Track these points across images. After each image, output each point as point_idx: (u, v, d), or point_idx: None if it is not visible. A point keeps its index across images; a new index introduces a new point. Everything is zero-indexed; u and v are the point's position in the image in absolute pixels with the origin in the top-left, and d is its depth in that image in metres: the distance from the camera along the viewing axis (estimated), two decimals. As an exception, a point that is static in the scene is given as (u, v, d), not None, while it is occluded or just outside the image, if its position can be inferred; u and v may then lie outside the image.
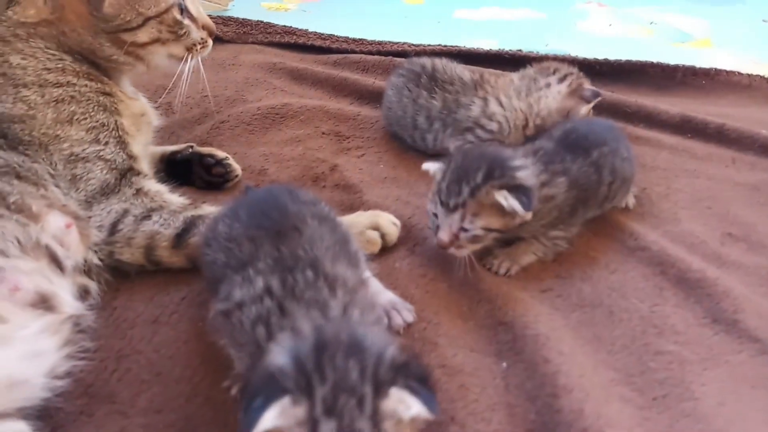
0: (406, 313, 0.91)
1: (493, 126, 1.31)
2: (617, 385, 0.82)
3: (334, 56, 1.91)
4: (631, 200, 1.20)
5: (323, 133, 1.49)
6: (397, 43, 1.96)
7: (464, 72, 1.40)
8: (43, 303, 0.82)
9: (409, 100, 1.38)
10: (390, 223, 1.10)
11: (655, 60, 1.76)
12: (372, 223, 1.08)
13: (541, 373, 0.81)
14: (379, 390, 0.55)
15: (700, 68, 1.75)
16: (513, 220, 0.96)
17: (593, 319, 0.94)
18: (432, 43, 1.93)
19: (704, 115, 1.53)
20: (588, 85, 1.31)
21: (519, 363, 0.84)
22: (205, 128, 1.47)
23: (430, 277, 1.03)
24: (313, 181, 1.30)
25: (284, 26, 2.07)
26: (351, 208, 1.17)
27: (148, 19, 1.08)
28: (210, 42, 1.21)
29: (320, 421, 0.54)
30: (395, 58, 1.85)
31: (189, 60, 1.17)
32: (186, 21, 1.13)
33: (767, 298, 0.98)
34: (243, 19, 2.10)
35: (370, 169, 1.35)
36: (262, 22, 2.09)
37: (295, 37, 2.00)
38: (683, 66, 1.74)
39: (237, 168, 1.28)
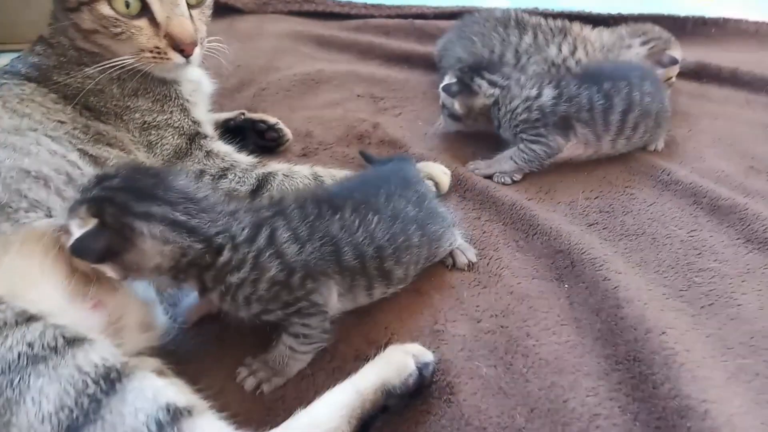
0: (470, 254, 1.00)
1: (578, 71, 1.39)
2: (669, 299, 0.92)
3: (354, 22, 1.98)
4: (660, 144, 1.29)
5: (358, 96, 1.56)
6: (415, 6, 2.02)
7: (548, 20, 1.50)
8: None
9: (498, 40, 1.45)
10: (441, 173, 1.18)
11: (664, 11, 1.84)
12: (425, 173, 1.16)
13: (602, 289, 0.90)
14: None
15: (709, 18, 1.83)
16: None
17: (639, 245, 1.04)
18: (451, 5, 1.99)
19: (717, 62, 1.62)
20: (673, 52, 1.39)
21: (580, 284, 0.94)
22: (247, 96, 1.54)
23: (485, 218, 1.12)
24: (358, 139, 1.38)
25: (302, -6, 2.13)
26: (400, 162, 1.25)
27: (81, 4, 0.99)
28: (172, 55, 1.02)
29: None
30: (415, 21, 1.92)
31: (151, 64, 1.03)
32: (129, 21, 0.99)
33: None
34: (263, -12, 2.15)
35: (410, 126, 1.43)
36: (280, -10, 2.14)
37: (314, 5, 2.06)
38: (693, 17, 1.83)
39: (288, 132, 1.36)
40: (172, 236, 0.72)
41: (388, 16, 1.97)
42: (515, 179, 1.21)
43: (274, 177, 1.10)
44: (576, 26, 1.47)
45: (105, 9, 0.99)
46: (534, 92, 1.22)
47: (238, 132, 1.35)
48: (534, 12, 1.82)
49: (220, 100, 1.55)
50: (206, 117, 1.22)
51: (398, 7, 2.02)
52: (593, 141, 1.22)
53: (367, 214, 0.84)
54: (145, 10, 1.00)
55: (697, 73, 1.60)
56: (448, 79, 1.29)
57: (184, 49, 1.03)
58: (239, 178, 1.09)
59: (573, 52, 1.41)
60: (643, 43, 1.40)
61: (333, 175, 1.13)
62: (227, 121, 1.36)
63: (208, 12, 1.14)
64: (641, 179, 1.21)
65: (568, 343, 0.85)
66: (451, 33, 1.55)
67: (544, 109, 1.20)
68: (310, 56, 1.78)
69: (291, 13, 2.06)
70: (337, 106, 1.52)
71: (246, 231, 0.77)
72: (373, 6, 2.05)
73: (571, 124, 1.20)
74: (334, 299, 0.81)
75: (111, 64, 1.01)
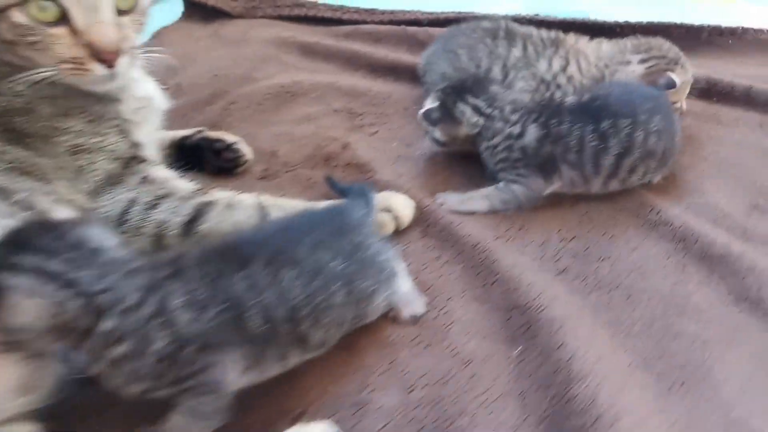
0: (416, 305, 0.89)
1: (568, 89, 1.27)
2: (635, 371, 0.80)
3: (345, 28, 1.87)
4: (657, 177, 1.15)
5: (335, 111, 1.46)
6: (409, 11, 1.90)
7: (540, 30, 1.36)
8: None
9: (485, 53, 1.32)
10: (403, 206, 1.07)
11: (677, 18, 1.69)
12: (384, 205, 1.05)
13: (555, 359, 0.79)
14: None
15: (726, 27, 1.66)
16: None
17: (611, 300, 0.92)
18: (446, 11, 1.87)
19: (731, 77, 1.47)
20: (677, 75, 1.24)
21: (533, 349, 0.82)
22: (217, 109, 1.45)
23: (445, 259, 1.01)
24: (325, 161, 1.27)
25: (294, -1, 2.03)
26: (363, 188, 1.15)
27: None
28: (93, 66, 0.91)
29: None
30: (408, 27, 1.81)
31: (72, 76, 0.93)
32: (46, 29, 0.88)
33: (794, 273, 0.94)
34: (252, -8, 2.06)
35: (383, 147, 1.32)
36: (269, -6, 2.05)
37: (304, 9, 1.96)
38: (708, 26, 1.66)
39: (247, 152, 1.27)
40: (41, 288, 0.63)
41: (381, 22, 1.86)
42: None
43: (212, 207, 1.00)
44: (571, 37, 1.33)
45: (19, 17, 0.88)
46: (517, 130, 1.10)
47: (195, 151, 1.27)
48: (533, 19, 1.70)
49: (189, 113, 1.48)
50: (152, 137, 1.13)
51: (392, 12, 1.90)
52: (580, 183, 1.09)
53: (281, 268, 0.74)
54: (64, 17, 0.89)
55: (707, 91, 1.44)
56: (430, 103, 1.18)
57: (105, 59, 0.92)
58: (173, 208, 1.00)
59: (565, 67, 1.27)
60: (642, 61, 1.25)
61: (282, 205, 1.03)
62: (184, 138, 1.28)
63: (144, 19, 1.03)
64: (627, 218, 1.08)
65: (506, 425, 0.73)
66: (436, 44, 1.42)
67: (526, 150, 1.08)
68: (292, 65, 1.68)
69: (280, 17, 1.96)
70: (311, 122, 1.41)
71: (136, 294, 0.67)
72: (365, 11, 1.94)
73: (556, 165, 1.07)
74: (236, 374, 0.71)
75: (28, 76, 0.92)
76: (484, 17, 1.44)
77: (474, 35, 1.33)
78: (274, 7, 1.98)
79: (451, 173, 1.22)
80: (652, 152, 1.07)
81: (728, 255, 0.96)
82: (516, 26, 1.33)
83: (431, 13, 1.87)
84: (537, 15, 1.76)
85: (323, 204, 1.02)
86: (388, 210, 1.05)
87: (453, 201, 1.12)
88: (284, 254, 0.76)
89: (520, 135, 1.09)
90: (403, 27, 1.80)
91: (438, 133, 1.19)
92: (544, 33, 1.32)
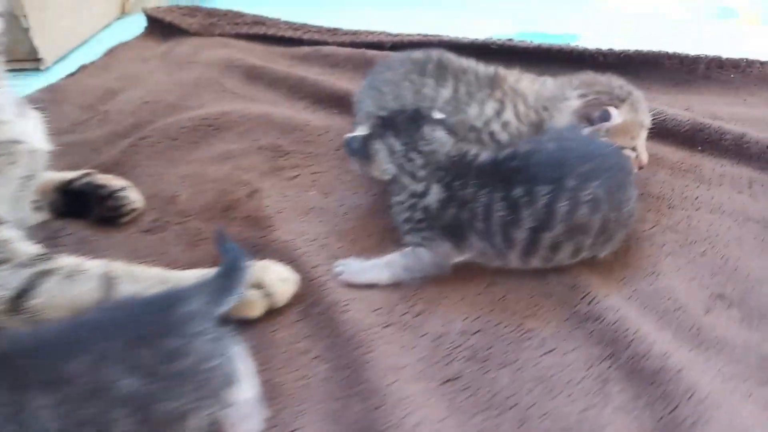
0: (250, 424, 0.72)
1: (503, 137, 1.08)
2: None
3: (305, 49, 1.70)
4: (601, 251, 0.94)
5: (260, 148, 1.29)
6: (373, 32, 1.73)
7: (478, 64, 1.15)
8: None
9: (411, 91, 1.11)
10: (279, 280, 0.90)
11: (684, 43, 1.47)
12: (255, 280, 0.88)
13: None
14: None
15: (727, 59, 1.42)
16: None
17: (500, 427, 0.72)
18: (413, 32, 1.68)
19: (723, 122, 1.24)
20: (619, 111, 1.02)
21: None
22: (125, 145, 1.30)
23: (314, 354, 0.83)
24: (224, 212, 1.11)
25: (255, 16, 1.87)
26: (254, 248, 0.98)
27: None
28: None
29: None
30: (368, 51, 1.63)
31: None
32: None
33: (746, 403, 0.72)
34: (212, 9, 1.91)
35: (297, 196, 1.15)
36: (231, 11, 1.89)
37: (264, 27, 1.80)
38: (707, 57, 1.43)
39: (136, 199, 1.11)
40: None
41: (342, 44, 1.68)
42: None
43: (49, 278, 0.85)
44: (512, 75, 1.12)
45: None
46: (420, 188, 0.92)
47: (80, 197, 1.12)
48: (505, 45, 1.50)
49: (101, 147, 1.34)
50: (11, 190, 0.99)
51: (354, 33, 1.73)
52: (493, 256, 0.90)
53: (35, 391, 0.58)
54: None
55: (690, 138, 1.22)
56: (361, 129, 1.02)
57: None
58: (4, 277, 0.85)
59: (499, 112, 1.07)
60: (581, 96, 1.04)
61: (135, 276, 0.88)
62: (70, 182, 1.13)
63: None
64: (552, 306, 0.88)
65: None
66: (366, 79, 1.24)
67: (429, 211, 0.91)
68: (231, 92, 1.52)
69: (238, 36, 1.81)
70: (226, 162, 1.25)
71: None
72: (328, 31, 1.77)
73: (464, 233, 0.89)
74: None
75: None
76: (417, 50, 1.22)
77: (401, 69, 1.14)
78: (232, 24, 1.83)
79: (367, 232, 1.05)
80: (583, 227, 0.86)
81: (663, 372, 0.75)
82: (451, 59, 1.13)
83: (396, 35, 1.69)
84: (511, 39, 1.56)
85: (187, 276, 0.86)
86: (258, 286, 0.88)
87: (352, 270, 0.95)
88: (51, 371, 0.60)
89: (423, 194, 0.92)
90: (363, 51, 1.63)
91: (356, 165, 1.03)
92: (482, 69, 1.12)
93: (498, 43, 1.52)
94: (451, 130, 0.97)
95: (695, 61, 1.43)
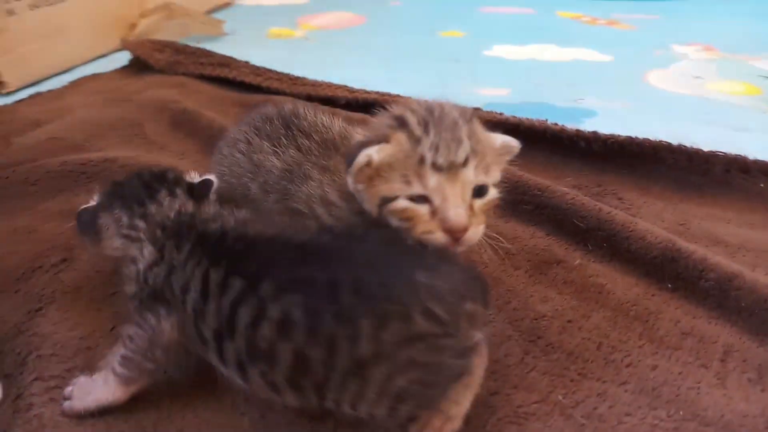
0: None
1: (329, 221, 0.77)
2: None
3: (257, 97, 1.48)
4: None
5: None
6: (335, 85, 1.48)
7: (333, 122, 0.86)
8: None
9: (245, 156, 0.85)
10: None
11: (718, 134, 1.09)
12: None
13: None
14: None
15: (756, 161, 1.03)
16: None
17: None
18: (370, 90, 1.42)
19: (726, 249, 0.87)
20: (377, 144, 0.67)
21: None
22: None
23: None
24: (16, 281, 0.88)
25: (223, 56, 1.68)
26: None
27: None
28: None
29: None
30: (321, 106, 1.37)
31: None
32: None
33: None
34: (183, 45, 1.75)
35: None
36: (201, 49, 1.72)
37: (227, 70, 1.60)
38: (725, 155, 1.04)
39: None
40: None
41: (297, 95, 1.44)
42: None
43: None
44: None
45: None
46: (135, 251, 0.68)
47: None
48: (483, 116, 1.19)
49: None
50: None
51: (313, 85, 1.49)
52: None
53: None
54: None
55: (658, 270, 0.85)
56: (95, 199, 0.77)
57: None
58: None
59: (324, 193, 0.75)
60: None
61: None
62: None
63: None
64: None
65: None
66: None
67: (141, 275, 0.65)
68: (143, 137, 1.32)
69: (202, 77, 1.62)
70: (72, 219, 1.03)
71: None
72: (290, 79, 1.54)
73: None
74: None
75: None
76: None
77: (242, 127, 0.87)
78: (197, 64, 1.65)
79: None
80: (267, 352, 0.55)
81: None
82: (302, 114, 0.85)
83: (356, 90, 1.42)
84: (479, 108, 1.25)
85: None
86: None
87: (76, 394, 0.68)
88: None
89: (137, 258, 0.67)
90: (315, 105, 1.38)
91: (87, 244, 0.77)
92: (336, 126, 0.83)
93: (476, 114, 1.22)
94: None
95: (708, 159, 1.04)
